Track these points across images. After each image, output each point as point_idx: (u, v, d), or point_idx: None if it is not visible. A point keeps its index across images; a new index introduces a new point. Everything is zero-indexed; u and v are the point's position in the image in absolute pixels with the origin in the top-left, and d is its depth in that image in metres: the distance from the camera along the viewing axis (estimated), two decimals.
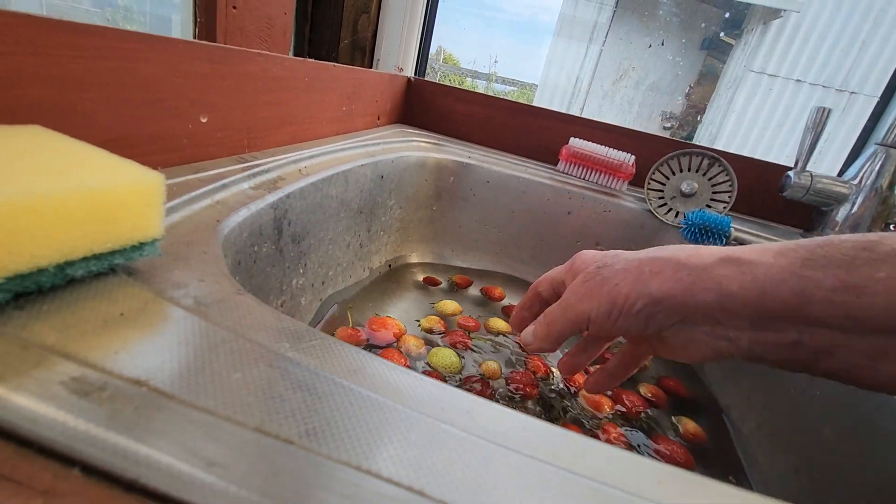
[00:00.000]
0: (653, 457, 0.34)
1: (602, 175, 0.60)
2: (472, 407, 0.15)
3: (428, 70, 0.84)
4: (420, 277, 0.55)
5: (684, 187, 0.54)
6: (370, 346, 0.39)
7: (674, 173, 0.55)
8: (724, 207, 0.53)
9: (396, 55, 0.78)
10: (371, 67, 0.79)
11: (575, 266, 0.27)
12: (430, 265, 0.59)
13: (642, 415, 0.39)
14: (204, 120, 0.32)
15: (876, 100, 0.68)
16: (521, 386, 0.38)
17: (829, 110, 0.51)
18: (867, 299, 0.18)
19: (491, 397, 0.36)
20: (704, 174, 0.54)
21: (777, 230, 0.58)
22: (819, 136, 0.52)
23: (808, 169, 0.53)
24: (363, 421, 0.13)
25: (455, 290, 0.54)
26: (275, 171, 0.36)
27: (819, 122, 0.51)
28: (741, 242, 0.49)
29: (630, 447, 0.35)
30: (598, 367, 0.32)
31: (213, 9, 0.42)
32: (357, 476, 0.11)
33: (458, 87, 0.72)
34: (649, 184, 0.56)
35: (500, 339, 0.45)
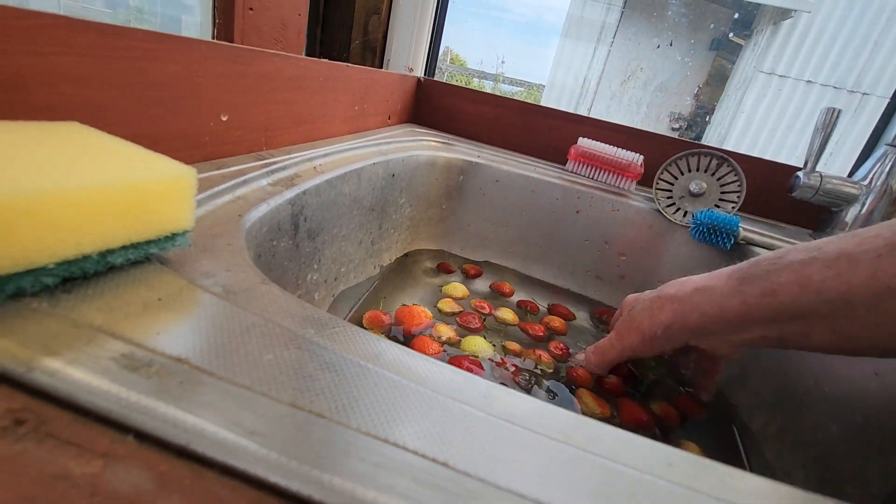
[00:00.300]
0: None
1: (611, 175, 0.60)
2: (490, 392, 0.16)
3: (435, 71, 0.85)
4: (428, 264, 0.56)
5: (693, 187, 0.55)
6: (405, 337, 0.40)
7: (682, 173, 0.55)
8: (733, 207, 0.54)
9: (406, 56, 0.79)
10: (381, 68, 0.80)
11: (623, 309, 0.37)
12: (439, 263, 0.60)
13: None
14: (224, 118, 0.33)
15: (887, 101, 0.68)
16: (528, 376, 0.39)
17: (840, 111, 0.51)
18: (779, 298, 0.25)
19: (516, 377, 0.39)
20: (713, 174, 0.54)
21: (786, 230, 0.58)
22: (829, 137, 0.52)
23: (817, 170, 0.53)
24: (387, 400, 0.14)
25: (467, 278, 0.56)
26: (291, 168, 0.37)
27: (829, 123, 0.51)
28: (750, 243, 0.50)
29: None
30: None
31: (230, 11, 0.43)
32: (385, 447, 0.12)
33: (466, 87, 0.73)
34: (658, 183, 0.56)
35: (509, 329, 0.46)
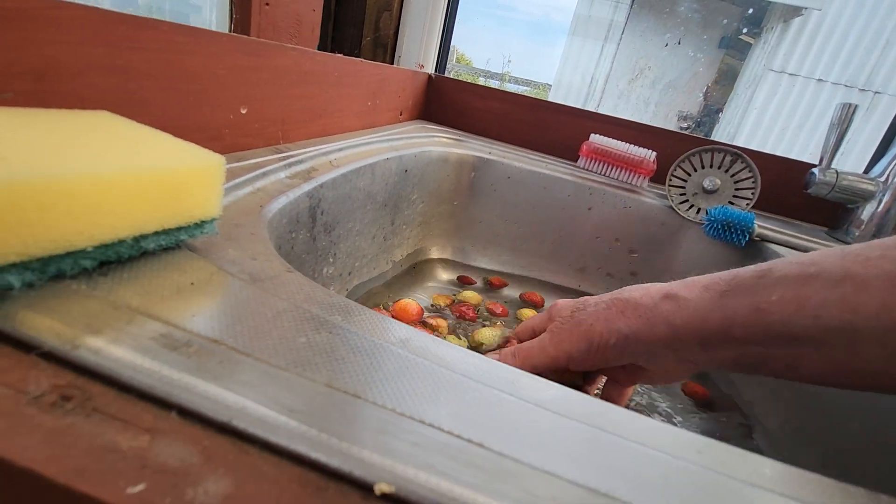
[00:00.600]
0: None
1: (623, 171, 0.60)
2: (516, 378, 0.16)
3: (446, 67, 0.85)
4: (445, 276, 0.56)
5: (706, 184, 0.54)
6: None
7: (695, 170, 0.55)
8: (747, 204, 0.53)
9: (417, 52, 0.79)
10: (392, 64, 0.80)
11: (552, 313, 0.31)
12: (450, 261, 0.60)
13: None
14: (244, 111, 0.33)
15: None
16: None
17: (856, 106, 0.51)
18: (769, 317, 0.22)
19: None
20: (727, 171, 0.54)
21: (801, 227, 0.57)
22: (844, 133, 0.52)
23: (832, 166, 0.52)
24: (420, 383, 0.14)
25: (490, 290, 0.55)
26: (308, 161, 0.37)
27: (845, 119, 0.51)
28: (765, 239, 0.49)
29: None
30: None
31: (248, 6, 0.43)
32: (422, 427, 0.12)
33: (476, 83, 0.73)
34: (671, 180, 0.56)
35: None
